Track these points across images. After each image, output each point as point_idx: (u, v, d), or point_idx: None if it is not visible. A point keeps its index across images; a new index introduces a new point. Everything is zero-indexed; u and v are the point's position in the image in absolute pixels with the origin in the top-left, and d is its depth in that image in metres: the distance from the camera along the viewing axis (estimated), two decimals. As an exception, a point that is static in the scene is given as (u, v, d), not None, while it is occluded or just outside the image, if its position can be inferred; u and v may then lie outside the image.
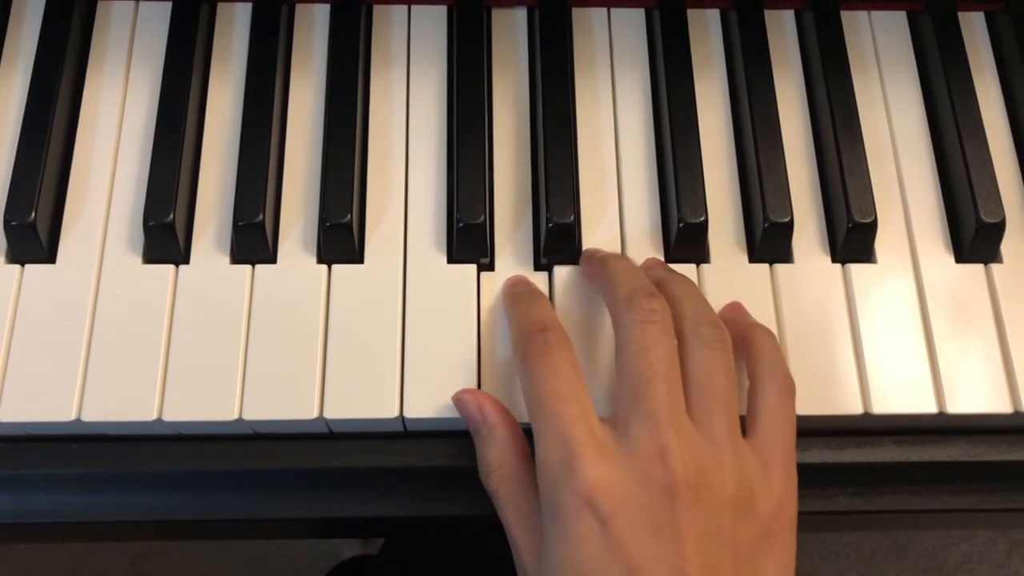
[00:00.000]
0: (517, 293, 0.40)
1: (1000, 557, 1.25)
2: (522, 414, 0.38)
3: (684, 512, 0.32)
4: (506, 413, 0.38)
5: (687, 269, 0.42)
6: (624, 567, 0.32)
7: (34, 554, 1.18)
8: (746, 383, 0.38)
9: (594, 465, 0.33)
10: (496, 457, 0.37)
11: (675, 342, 0.36)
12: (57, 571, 1.18)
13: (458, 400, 0.38)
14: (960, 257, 0.43)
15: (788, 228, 0.41)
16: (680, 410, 0.34)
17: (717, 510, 0.33)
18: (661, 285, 0.39)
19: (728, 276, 0.42)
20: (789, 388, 0.37)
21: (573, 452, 0.33)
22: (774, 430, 0.36)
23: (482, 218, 0.41)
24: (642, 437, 0.33)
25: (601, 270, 0.39)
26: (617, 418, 0.35)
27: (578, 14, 0.47)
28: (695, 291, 0.39)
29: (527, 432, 0.37)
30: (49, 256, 0.41)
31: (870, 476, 0.42)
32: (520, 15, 0.47)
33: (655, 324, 0.35)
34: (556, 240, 0.41)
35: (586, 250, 0.42)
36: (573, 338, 0.37)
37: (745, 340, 0.38)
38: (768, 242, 0.42)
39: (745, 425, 0.37)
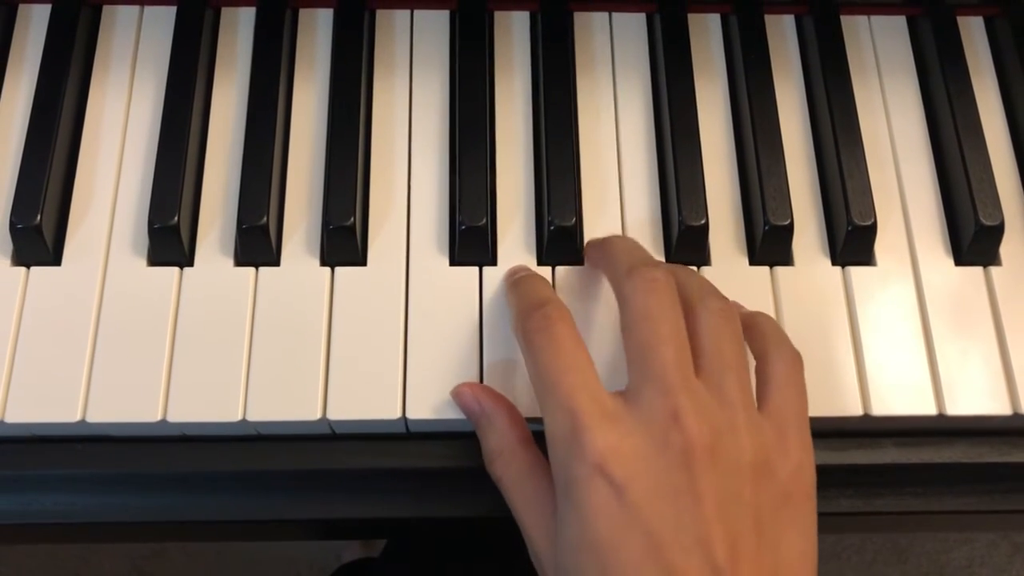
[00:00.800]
0: (517, 277, 0.40)
1: (1002, 561, 1.25)
2: (526, 409, 0.39)
3: (702, 475, 0.32)
4: (504, 401, 0.38)
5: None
6: (644, 536, 0.31)
7: (36, 557, 1.18)
8: (754, 363, 0.38)
9: (602, 433, 0.32)
10: (497, 444, 0.37)
11: (680, 310, 0.36)
12: (58, 573, 1.18)
13: (456, 393, 0.39)
14: (959, 260, 0.43)
15: (788, 231, 0.42)
16: (690, 374, 0.34)
17: (736, 474, 0.32)
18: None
19: (729, 278, 0.42)
20: (796, 360, 0.37)
21: (579, 422, 0.33)
22: (786, 398, 0.36)
23: (484, 220, 0.41)
24: (654, 402, 0.33)
25: (602, 250, 0.40)
26: (628, 388, 0.35)
27: (579, 18, 0.48)
28: (698, 274, 0.39)
29: (538, 435, 0.37)
30: (54, 258, 0.41)
31: (870, 478, 0.42)
32: (522, 19, 0.48)
33: (658, 292, 0.35)
34: (558, 243, 0.42)
35: (589, 241, 0.42)
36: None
37: (747, 326, 0.38)
38: (768, 245, 0.42)
39: (757, 400, 0.36)
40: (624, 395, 0.34)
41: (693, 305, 0.36)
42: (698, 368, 0.35)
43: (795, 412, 0.35)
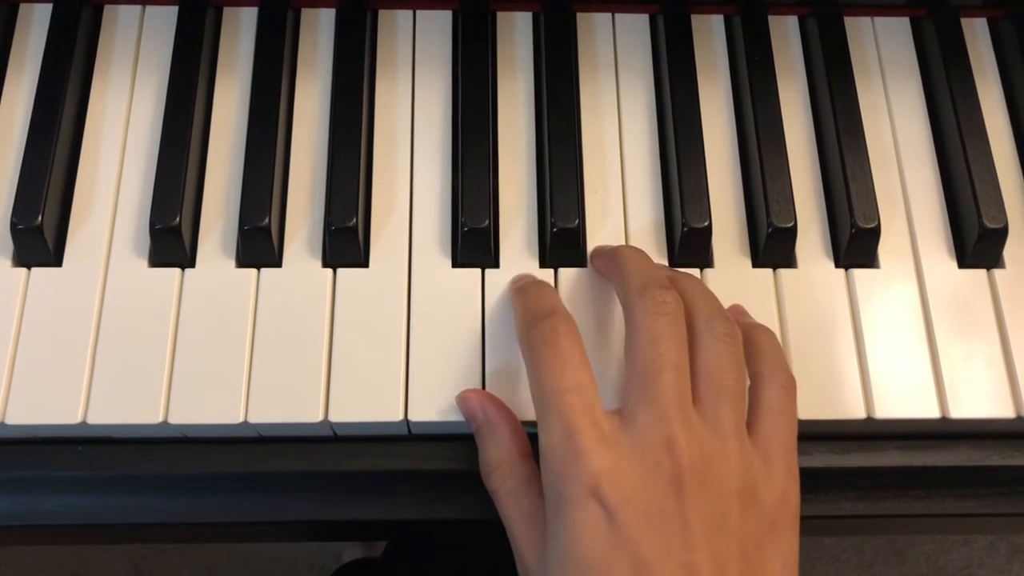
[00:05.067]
0: (524, 284, 0.40)
1: (1000, 562, 1.25)
2: (527, 415, 0.38)
3: (691, 503, 0.32)
4: (508, 412, 0.38)
5: (691, 274, 0.42)
6: (632, 558, 0.32)
7: (35, 555, 1.18)
8: (748, 383, 0.38)
9: (599, 456, 0.33)
10: (497, 456, 0.37)
11: (685, 334, 0.36)
12: (58, 572, 1.18)
13: (461, 399, 0.39)
14: (963, 262, 0.43)
15: (792, 233, 0.42)
16: (687, 401, 0.34)
17: (723, 502, 0.33)
18: (672, 283, 0.39)
19: (732, 281, 0.42)
20: (790, 385, 0.37)
21: (578, 444, 0.33)
22: (775, 425, 0.36)
23: (486, 222, 0.41)
24: (649, 427, 0.33)
25: (613, 261, 0.39)
26: (624, 409, 0.35)
27: (582, 19, 0.47)
28: (706, 289, 0.39)
29: (532, 436, 0.37)
30: (56, 259, 0.41)
31: (873, 480, 0.42)
32: (525, 20, 0.47)
33: (667, 316, 0.35)
34: (560, 244, 0.41)
35: (595, 248, 0.42)
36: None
37: (746, 340, 0.38)
38: (772, 247, 0.42)
39: (747, 423, 0.37)
40: (620, 415, 0.35)
41: (698, 325, 0.36)
42: (696, 390, 0.35)
43: (783, 440, 0.36)
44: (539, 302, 0.38)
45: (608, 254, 0.40)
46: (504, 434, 0.37)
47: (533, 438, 0.37)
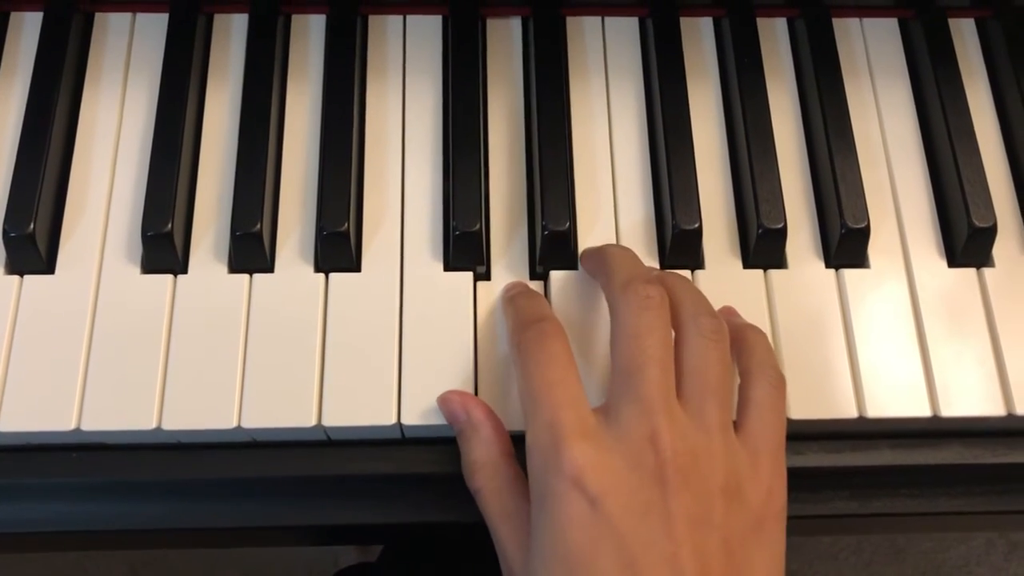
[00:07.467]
0: (515, 292, 0.40)
1: (999, 559, 1.25)
2: (515, 421, 0.39)
3: (674, 496, 0.32)
4: (490, 413, 0.38)
5: (679, 273, 0.42)
6: (615, 548, 0.32)
7: (32, 562, 1.18)
8: (738, 381, 0.38)
9: (581, 447, 0.33)
10: (480, 456, 0.37)
11: (670, 329, 0.36)
12: (56, 579, 1.17)
13: (443, 400, 0.39)
14: (953, 261, 0.43)
15: (782, 234, 0.42)
16: (671, 396, 0.34)
17: (707, 497, 0.33)
18: (659, 281, 0.39)
19: (722, 282, 0.42)
20: (779, 384, 0.37)
21: (561, 435, 0.33)
22: (763, 423, 0.36)
23: (478, 226, 0.41)
24: (632, 421, 0.34)
25: (599, 259, 0.40)
26: (608, 404, 0.35)
27: (572, 23, 0.48)
28: (693, 286, 0.39)
29: (517, 439, 0.37)
30: (48, 266, 0.41)
31: (866, 479, 0.42)
32: (515, 24, 0.48)
33: (651, 310, 0.36)
34: (552, 247, 0.42)
35: (585, 249, 0.42)
36: (570, 341, 0.37)
37: (736, 339, 0.38)
38: (762, 248, 0.42)
39: (736, 420, 0.37)
40: (604, 410, 0.35)
41: (685, 323, 0.37)
42: (680, 387, 0.35)
43: (771, 437, 0.36)
44: (529, 309, 0.38)
45: (595, 253, 0.40)
46: (487, 434, 0.37)
47: (516, 440, 0.37)
